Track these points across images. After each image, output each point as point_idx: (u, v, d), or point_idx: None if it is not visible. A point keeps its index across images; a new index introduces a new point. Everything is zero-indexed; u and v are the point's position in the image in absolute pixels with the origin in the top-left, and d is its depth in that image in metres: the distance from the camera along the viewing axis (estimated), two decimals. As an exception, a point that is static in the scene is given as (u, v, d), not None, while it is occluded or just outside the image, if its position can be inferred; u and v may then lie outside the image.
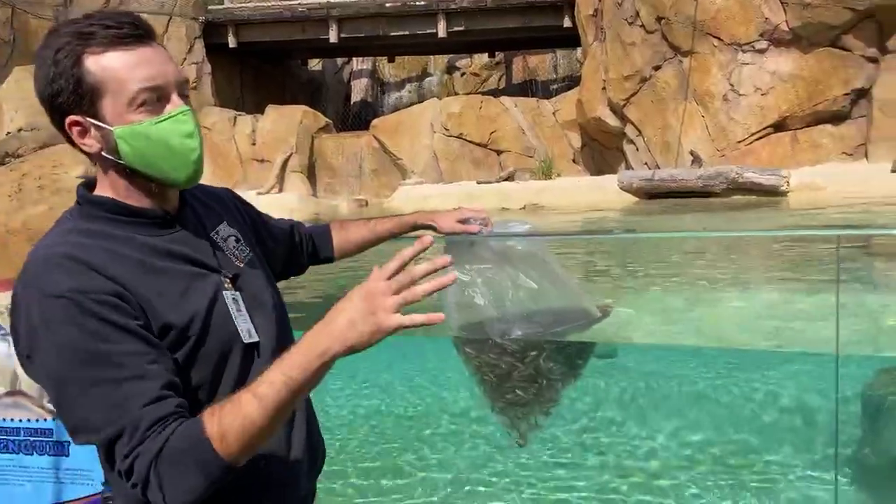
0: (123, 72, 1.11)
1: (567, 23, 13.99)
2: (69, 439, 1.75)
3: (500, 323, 1.82)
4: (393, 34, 15.37)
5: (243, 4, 15.72)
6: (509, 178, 12.08)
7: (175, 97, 1.15)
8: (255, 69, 16.59)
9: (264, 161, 13.42)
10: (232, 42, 15.24)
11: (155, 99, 1.13)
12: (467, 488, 3.45)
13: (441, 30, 14.78)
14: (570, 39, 14.28)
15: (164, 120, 1.14)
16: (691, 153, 10.04)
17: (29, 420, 1.74)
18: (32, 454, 1.74)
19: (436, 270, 1.04)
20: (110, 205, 1.17)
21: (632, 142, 11.11)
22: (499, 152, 13.02)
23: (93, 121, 1.13)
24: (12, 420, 1.76)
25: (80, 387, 1.03)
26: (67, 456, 1.76)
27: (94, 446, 1.09)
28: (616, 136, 11.48)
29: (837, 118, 9.56)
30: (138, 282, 1.10)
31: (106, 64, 1.11)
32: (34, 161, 9.96)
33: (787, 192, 9.02)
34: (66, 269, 1.07)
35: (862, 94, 9.41)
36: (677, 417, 3.88)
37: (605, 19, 11.49)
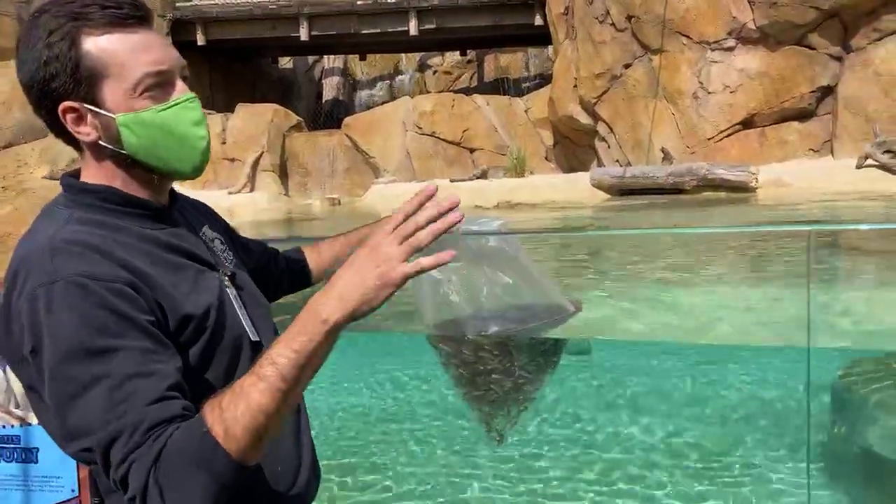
0: (126, 55, 1.04)
1: (538, 21, 14.05)
2: (38, 446, 1.70)
3: (474, 320, 1.82)
4: (364, 32, 15.29)
5: (212, 1, 15.52)
6: (482, 176, 12.10)
7: (180, 83, 1.08)
8: (224, 67, 16.40)
9: (235, 160, 13.27)
10: (201, 40, 15.05)
11: (160, 84, 1.05)
12: (443, 485, 3.45)
13: (413, 28, 14.75)
14: (542, 38, 14.34)
15: (172, 106, 1.07)
16: (662, 150, 10.15)
17: (-7, 426, 1.69)
18: None
19: (441, 215, 0.95)
20: (108, 194, 1.08)
21: (603, 139, 11.20)
22: (472, 150, 13.03)
23: (91, 107, 1.04)
24: (-24, 426, 1.70)
25: (79, 384, 0.93)
26: (36, 463, 1.72)
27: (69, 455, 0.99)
28: (588, 133, 11.56)
29: (804, 115, 9.74)
30: (152, 271, 1.03)
31: (106, 46, 1.03)
32: (-3, 161, 9.71)
33: (756, 188, 9.16)
34: (74, 254, 0.98)
35: (827, 91, 9.59)
36: (650, 412, 3.91)
37: (576, 18, 11.56)
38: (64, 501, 1.70)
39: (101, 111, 1.04)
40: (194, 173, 1.12)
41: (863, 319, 3.09)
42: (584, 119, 11.42)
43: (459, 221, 0.98)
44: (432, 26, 14.89)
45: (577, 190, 10.29)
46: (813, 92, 9.58)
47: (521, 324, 1.91)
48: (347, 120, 14.19)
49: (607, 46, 10.87)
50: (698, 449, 3.53)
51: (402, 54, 19.26)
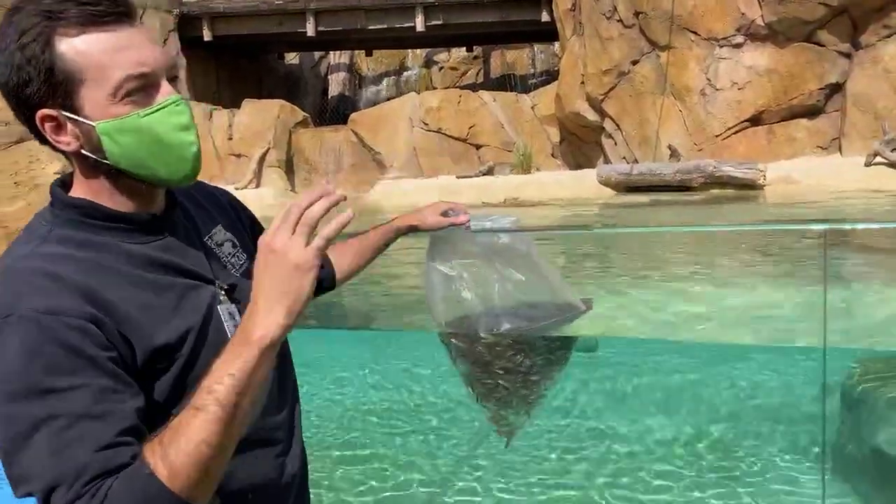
0: (104, 56, 0.95)
1: (545, 17, 13.99)
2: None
3: (487, 317, 1.81)
4: (371, 28, 15.26)
5: (218, -3, 15.50)
6: (489, 172, 12.07)
7: (165, 84, 1.00)
8: (231, 63, 16.39)
9: (241, 156, 13.27)
10: (207, 35, 15.03)
11: (143, 87, 0.97)
12: (451, 482, 3.44)
13: (419, 24, 14.71)
14: (548, 34, 14.28)
15: (155, 111, 0.98)
16: (669, 147, 10.10)
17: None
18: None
19: (332, 206, 0.93)
20: (88, 209, 1.01)
21: (610, 136, 11.16)
22: (478, 146, 13.00)
23: (69, 114, 0.96)
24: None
25: (26, 425, 0.86)
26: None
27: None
28: (594, 130, 11.52)
29: (812, 112, 9.68)
30: (122, 299, 0.96)
31: (83, 47, 0.95)
32: (9, 157, 9.67)
33: (764, 185, 9.12)
34: (35, 287, 0.92)
35: (836, 88, 9.53)
36: (661, 411, 3.90)
37: (583, 14, 11.51)
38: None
39: (80, 118, 0.97)
40: (185, 181, 1.05)
41: (874, 318, 3.07)
42: (591, 116, 11.38)
43: (344, 199, 0.95)
44: (439, 22, 14.85)
45: (583, 187, 10.26)
46: (822, 89, 9.52)
47: (533, 322, 1.90)
48: (354, 116, 14.17)
49: (615, 43, 10.82)
50: (709, 448, 3.52)
51: (409, 50, 19.21)
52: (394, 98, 15.40)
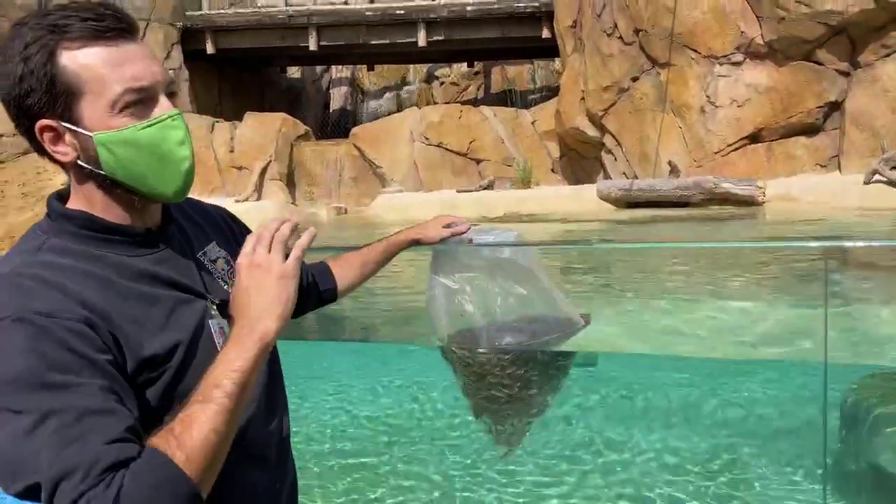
0: (105, 70, 0.98)
1: (546, 34, 14.10)
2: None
3: (489, 331, 1.82)
4: (373, 42, 15.36)
5: (222, 11, 15.62)
6: (489, 186, 12.11)
7: (163, 99, 1.02)
8: (233, 76, 16.47)
9: (242, 168, 13.30)
10: (210, 49, 15.12)
11: (141, 101, 1.00)
12: (451, 495, 3.43)
13: (421, 39, 14.81)
14: (549, 50, 14.38)
15: (153, 125, 1.01)
16: (669, 164, 10.14)
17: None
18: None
19: (295, 228, 1.06)
20: (83, 220, 1.03)
21: (610, 152, 11.20)
22: (478, 161, 13.05)
23: (68, 125, 0.99)
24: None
25: (32, 417, 0.86)
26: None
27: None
28: (594, 146, 11.57)
29: (811, 130, 9.73)
30: (114, 308, 0.97)
31: (84, 60, 0.97)
32: (17, 167, 9.70)
33: (763, 202, 9.14)
34: (31, 291, 0.93)
35: (835, 106, 9.58)
36: (660, 426, 3.89)
37: (584, 31, 11.60)
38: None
39: (79, 129, 0.99)
40: (176, 196, 1.07)
41: (874, 335, 3.08)
42: (591, 131, 11.43)
43: (297, 225, 1.08)
44: (441, 38, 14.95)
45: (583, 202, 10.28)
46: (820, 107, 9.57)
47: (534, 336, 1.91)
48: (355, 130, 14.23)
49: (615, 59, 10.89)
50: (709, 463, 3.51)
51: (410, 65, 19.33)
52: (395, 112, 15.47)
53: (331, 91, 19.95)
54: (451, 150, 13.08)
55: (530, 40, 14.70)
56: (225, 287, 1.15)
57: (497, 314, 1.81)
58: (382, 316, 3.77)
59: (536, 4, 14.16)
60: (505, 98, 17.44)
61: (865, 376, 3.29)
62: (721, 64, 9.92)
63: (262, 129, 13.58)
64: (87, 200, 1.05)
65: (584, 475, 3.55)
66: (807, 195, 9.00)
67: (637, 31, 10.59)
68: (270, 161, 13.32)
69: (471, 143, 13.07)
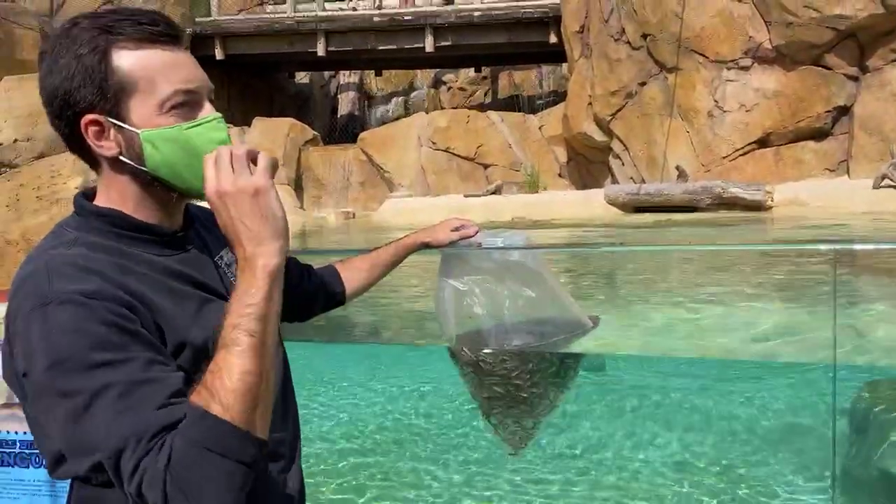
0: (157, 71, 1.03)
1: (553, 39, 14.12)
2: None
3: (498, 332, 1.83)
4: (381, 48, 15.42)
5: (231, 17, 15.71)
6: (496, 191, 12.12)
7: (208, 104, 1.08)
8: (242, 82, 16.56)
9: (251, 173, 13.36)
10: (219, 54, 15.22)
11: (188, 103, 1.05)
12: (458, 499, 3.43)
13: (429, 44, 14.86)
14: (556, 55, 14.40)
15: (199, 125, 1.05)
16: (677, 168, 10.13)
17: (25, 433, 1.70)
18: (28, 467, 1.70)
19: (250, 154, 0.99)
20: (115, 218, 1.06)
21: (618, 156, 11.20)
22: (486, 166, 13.07)
23: (115, 121, 1.03)
24: (8, 432, 1.72)
25: (83, 398, 0.89)
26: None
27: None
28: (602, 150, 11.57)
29: (819, 135, 9.70)
30: (152, 299, 1.00)
31: (138, 61, 1.02)
32: (31, 171, 9.77)
33: (771, 206, 9.12)
34: (71, 276, 0.96)
35: (843, 111, 9.55)
36: (668, 430, 3.89)
37: (591, 36, 11.61)
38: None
39: (126, 126, 1.03)
40: None
41: (884, 340, 3.07)
42: (599, 136, 11.43)
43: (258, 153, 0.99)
44: (448, 43, 14.99)
45: (591, 206, 10.28)
46: (829, 112, 9.55)
47: (542, 338, 1.92)
48: (363, 134, 14.28)
49: (623, 64, 10.90)
50: (716, 468, 3.50)
51: (418, 70, 19.38)
52: (402, 117, 15.51)
53: (339, 96, 20.01)
54: (458, 155, 13.10)
55: (537, 45, 14.72)
56: None
57: (505, 316, 1.82)
58: (391, 318, 3.79)
59: (544, 9, 14.19)
60: (512, 103, 17.45)
61: (875, 381, 3.27)
62: (729, 68, 9.90)
63: (271, 134, 13.64)
64: (121, 197, 1.08)
65: (590, 477, 3.54)
66: (815, 200, 8.97)
67: (645, 36, 10.59)
68: (279, 166, 13.38)
69: (478, 147, 13.08)
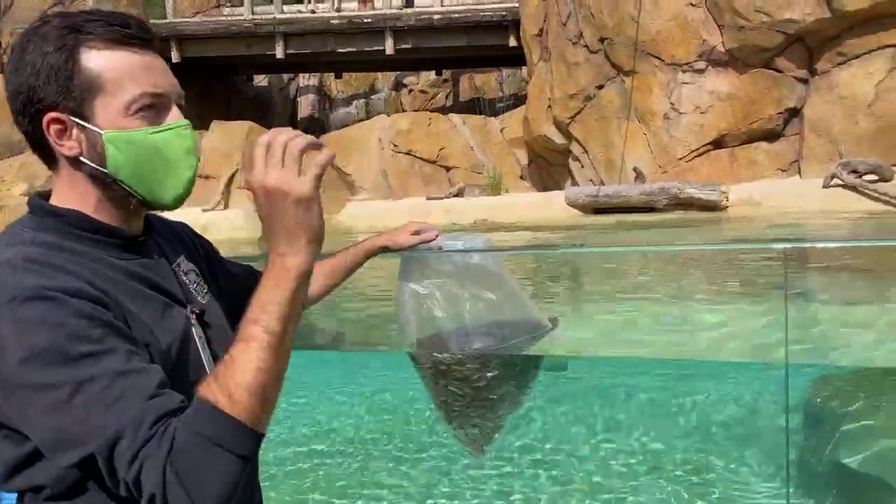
0: (125, 73, 1.02)
1: (512, 42, 14.22)
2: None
3: (458, 336, 1.83)
4: (340, 51, 15.33)
5: (187, 19, 15.46)
6: (459, 194, 12.15)
7: (175, 109, 1.06)
8: (199, 85, 16.28)
9: (209, 177, 13.16)
10: (176, 57, 14.95)
11: (155, 107, 1.03)
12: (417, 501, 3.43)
13: (389, 47, 14.83)
14: (516, 58, 14.50)
15: (165, 130, 1.04)
16: (634, 170, 10.29)
17: None
18: None
19: (310, 146, 0.97)
20: (74, 218, 1.04)
21: (577, 159, 11.32)
22: (448, 168, 13.10)
23: (78, 120, 1.01)
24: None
25: (66, 391, 0.87)
26: None
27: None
28: (562, 153, 11.68)
29: (772, 136, 9.95)
30: (116, 294, 0.98)
31: (107, 62, 1.01)
32: (-27, 179, 9.50)
33: (727, 206, 9.32)
34: (38, 272, 0.93)
35: (794, 113, 9.81)
36: (627, 428, 3.94)
37: (550, 39, 11.72)
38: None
39: (89, 125, 1.01)
40: (175, 203, 1.09)
41: (834, 335, 3.16)
42: (559, 139, 11.55)
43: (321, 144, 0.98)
44: (408, 46, 14.98)
45: (552, 208, 10.38)
46: (780, 113, 9.80)
47: (503, 340, 1.93)
48: (323, 137, 14.18)
49: (581, 68, 11.02)
50: (674, 464, 3.56)
51: (378, 73, 19.33)
52: (363, 120, 15.45)
53: (298, 99, 19.84)
54: (420, 158, 13.11)
55: (497, 48, 14.81)
56: (198, 298, 1.16)
57: (466, 319, 1.82)
58: (351, 323, 3.77)
59: (503, 13, 14.28)
60: (473, 106, 17.53)
61: (827, 376, 3.37)
62: (684, 71, 10.10)
63: (229, 138, 13.46)
64: (80, 199, 1.05)
65: (551, 478, 3.57)
66: (769, 199, 9.20)
67: (602, 40, 10.73)
68: (237, 170, 13.20)
69: (440, 150, 13.10)
